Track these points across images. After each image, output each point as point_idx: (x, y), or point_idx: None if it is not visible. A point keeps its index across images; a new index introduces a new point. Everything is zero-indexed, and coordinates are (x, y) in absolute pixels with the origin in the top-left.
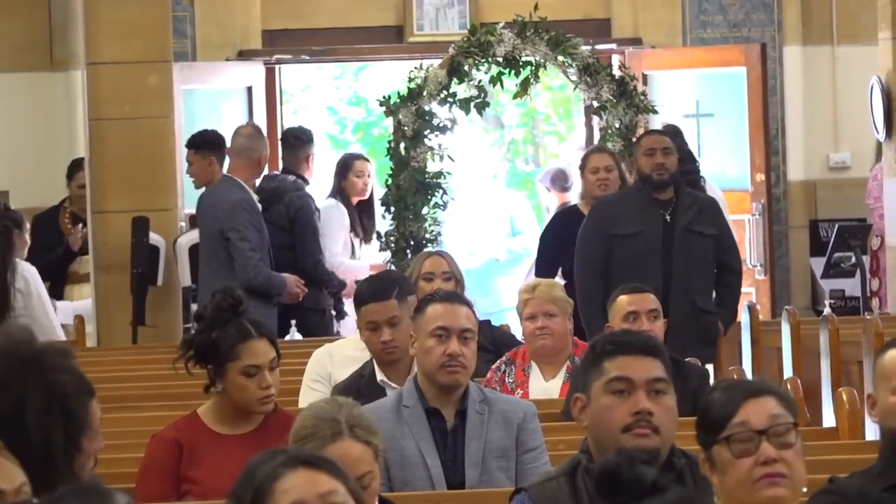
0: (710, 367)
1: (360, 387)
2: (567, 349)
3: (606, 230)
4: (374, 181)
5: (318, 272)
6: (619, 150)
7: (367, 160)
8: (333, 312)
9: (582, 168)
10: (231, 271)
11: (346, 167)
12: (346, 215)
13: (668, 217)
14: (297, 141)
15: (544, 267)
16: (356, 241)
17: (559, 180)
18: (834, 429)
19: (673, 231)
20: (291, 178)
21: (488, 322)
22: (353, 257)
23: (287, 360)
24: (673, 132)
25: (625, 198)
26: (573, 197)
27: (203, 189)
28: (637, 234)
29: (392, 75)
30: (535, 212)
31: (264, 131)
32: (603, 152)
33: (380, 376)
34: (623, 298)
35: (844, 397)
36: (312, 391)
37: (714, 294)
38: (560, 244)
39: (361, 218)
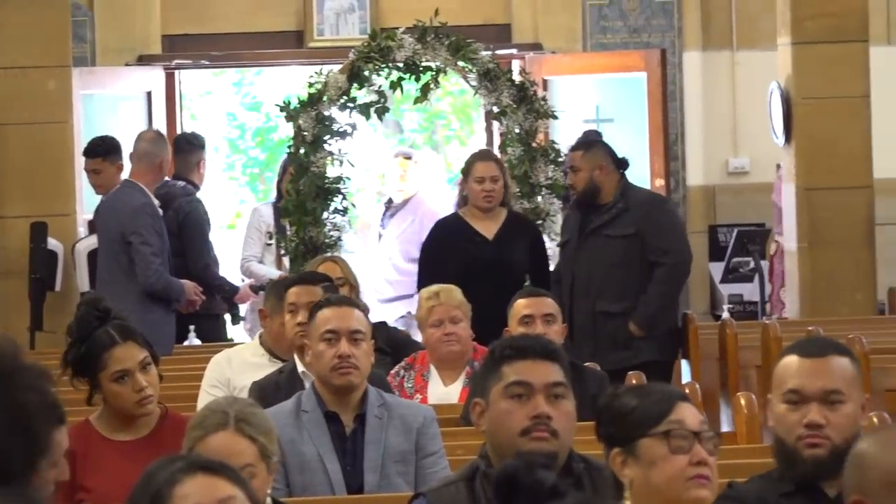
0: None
1: (280, 381)
2: (468, 354)
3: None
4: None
5: (208, 277)
6: (518, 155)
7: None
8: (228, 317)
9: (466, 174)
10: (131, 276)
11: (284, 170)
12: (266, 218)
13: (590, 221)
14: (189, 146)
15: (427, 278)
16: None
17: None
18: (732, 433)
19: (584, 236)
20: (181, 183)
21: (384, 324)
22: (278, 261)
23: (186, 366)
24: (587, 143)
25: (573, 207)
26: None
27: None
28: (565, 243)
29: (292, 80)
30: None
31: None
32: (489, 160)
33: (300, 368)
34: (520, 302)
35: (742, 402)
36: (210, 397)
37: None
38: (442, 253)
39: None
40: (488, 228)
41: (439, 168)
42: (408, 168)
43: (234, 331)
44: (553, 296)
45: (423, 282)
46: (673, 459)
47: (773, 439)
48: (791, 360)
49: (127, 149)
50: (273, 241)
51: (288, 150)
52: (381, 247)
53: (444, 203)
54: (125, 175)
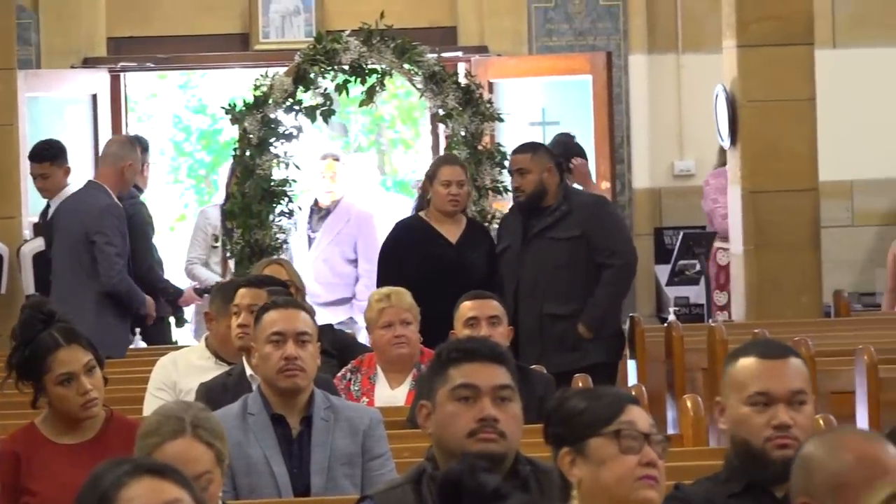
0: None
1: (228, 383)
2: (416, 357)
3: (497, 249)
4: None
5: (152, 279)
6: (465, 158)
7: None
8: (173, 320)
9: (431, 178)
10: (93, 276)
11: (233, 172)
12: (212, 220)
13: (532, 225)
14: None
15: (388, 279)
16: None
17: None
18: (678, 435)
19: (528, 239)
20: None
21: (330, 326)
22: (223, 264)
23: (131, 369)
24: (534, 146)
25: (511, 213)
26: None
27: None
28: (505, 249)
29: (238, 83)
30: None
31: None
32: (455, 165)
33: (248, 371)
34: (465, 304)
35: (689, 404)
36: (157, 399)
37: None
38: (404, 254)
39: None
40: (451, 232)
41: (370, 169)
42: (336, 170)
43: (178, 333)
44: (498, 298)
45: (382, 281)
46: (623, 459)
47: (734, 442)
48: (751, 363)
49: (73, 152)
50: (219, 244)
51: (234, 153)
52: (315, 250)
53: (374, 204)
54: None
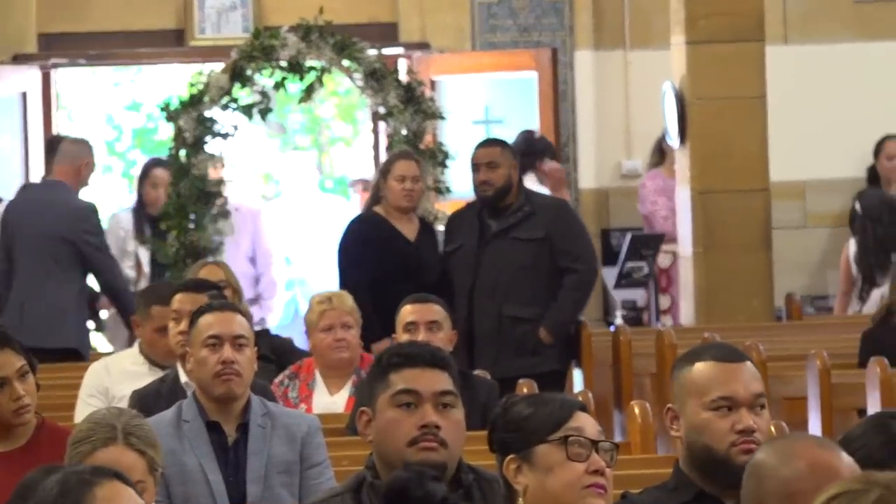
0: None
1: (162, 390)
2: (355, 362)
3: (444, 249)
4: None
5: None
6: None
7: (166, 168)
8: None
9: (385, 173)
10: (71, 274)
11: (143, 175)
12: (124, 224)
13: (493, 225)
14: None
15: (352, 275)
16: (142, 254)
17: None
18: (626, 443)
19: (487, 238)
20: None
21: (267, 331)
22: (137, 269)
23: (62, 374)
24: (501, 141)
25: (463, 211)
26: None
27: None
28: (457, 249)
29: (173, 80)
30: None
31: (39, 138)
32: (410, 160)
33: (183, 378)
34: (406, 308)
35: (636, 411)
36: (88, 406)
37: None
38: (366, 251)
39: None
40: (409, 230)
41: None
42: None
43: (96, 338)
44: (442, 302)
45: (346, 281)
46: (570, 466)
47: (692, 449)
48: (709, 367)
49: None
50: (132, 249)
51: (169, 152)
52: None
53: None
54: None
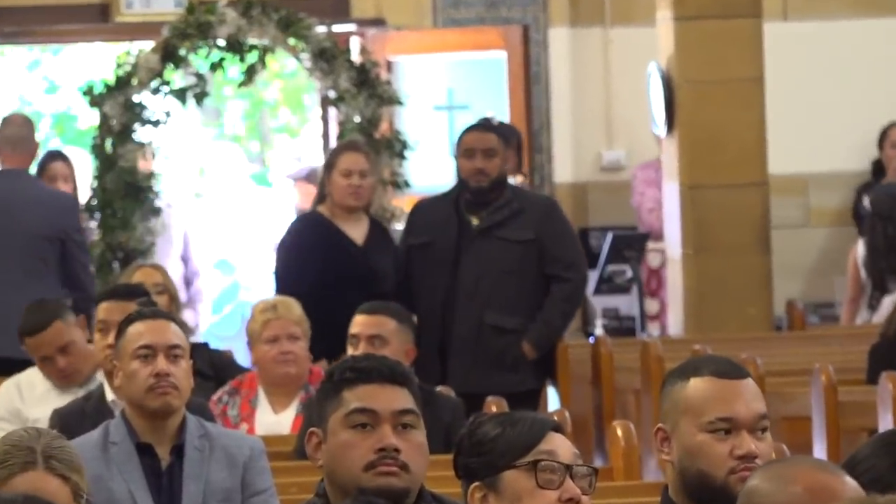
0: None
1: (86, 409)
2: (304, 378)
3: (406, 241)
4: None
5: None
6: None
7: (64, 160)
8: None
9: (329, 167)
10: (55, 273)
11: (40, 170)
12: None
13: (474, 221)
14: None
15: (289, 283)
16: None
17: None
18: (607, 468)
19: (469, 236)
20: None
21: (206, 345)
22: None
23: None
24: (494, 126)
25: (438, 200)
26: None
27: None
28: (427, 243)
29: (97, 61)
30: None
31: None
32: (358, 152)
33: (110, 396)
34: (354, 318)
35: (619, 432)
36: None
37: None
38: (306, 256)
39: None
40: (356, 232)
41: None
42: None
43: None
44: (400, 313)
45: (282, 290)
46: (540, 495)
47: (685, 475)
48: (706, 383)
49: None
50: None
51: (93, 142)
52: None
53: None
54: None
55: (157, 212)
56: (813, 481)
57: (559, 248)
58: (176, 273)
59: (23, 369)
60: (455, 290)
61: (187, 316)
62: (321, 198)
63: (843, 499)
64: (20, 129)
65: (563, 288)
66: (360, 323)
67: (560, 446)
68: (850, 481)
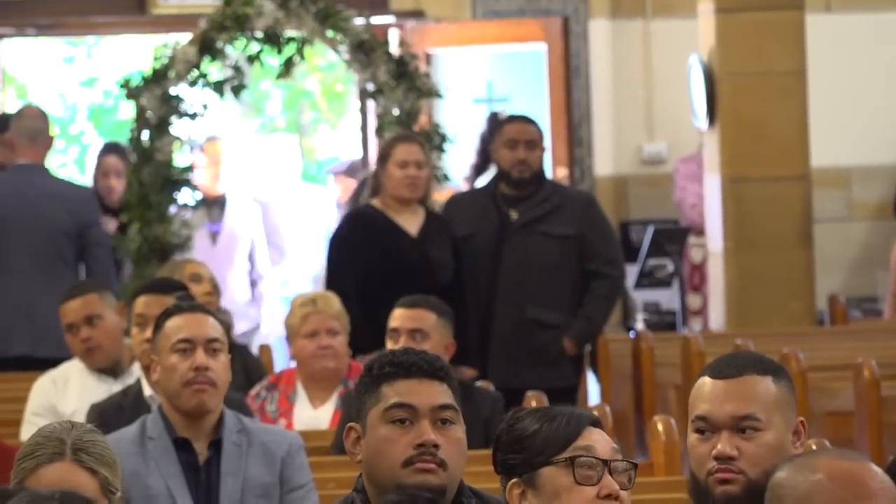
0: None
1: (124, 404)
2: (342, 372)
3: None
4: None
5: None
6: None
7: (120, 154)
8: None
9: (384, 158)
10: (74, 269)
11: (97, 163)
12: None
13: (514, 215)
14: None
15: (341, 278)
16: None
17: (360, 172)
18: (648, 463)
19: (510, 230)
20: None
21: (245, 347)
22: None
23: (10, 386)
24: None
25: (475, 194)
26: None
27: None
28: (469, 236)
29: (134, 53)
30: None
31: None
32: (413, 142)
33: (147, 391)
34: (394, 312)
35: (659, 427)
36: (33, 426)
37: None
38: (359, 250)
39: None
40: (411, 223)
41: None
42: (223, 153)
43: None
44: (441, 307)
45: (334, 283)
46: (578, 491)
47: (690, 475)
48: (703, 382)
49: None
50: None
51: (130, 135)
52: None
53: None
54: None
55: (193, 206)
56: (834, 468)
57: (599, 244)
58: (242, 273)
59: (40, 366)
60: (495, 285)
61: (251, 314)
62: (375, 191)
63: (868, 484)
64: (36, 122)
65: (604, 284)
66: (400, 317)
67: (598, 441)
68: (874, 467)
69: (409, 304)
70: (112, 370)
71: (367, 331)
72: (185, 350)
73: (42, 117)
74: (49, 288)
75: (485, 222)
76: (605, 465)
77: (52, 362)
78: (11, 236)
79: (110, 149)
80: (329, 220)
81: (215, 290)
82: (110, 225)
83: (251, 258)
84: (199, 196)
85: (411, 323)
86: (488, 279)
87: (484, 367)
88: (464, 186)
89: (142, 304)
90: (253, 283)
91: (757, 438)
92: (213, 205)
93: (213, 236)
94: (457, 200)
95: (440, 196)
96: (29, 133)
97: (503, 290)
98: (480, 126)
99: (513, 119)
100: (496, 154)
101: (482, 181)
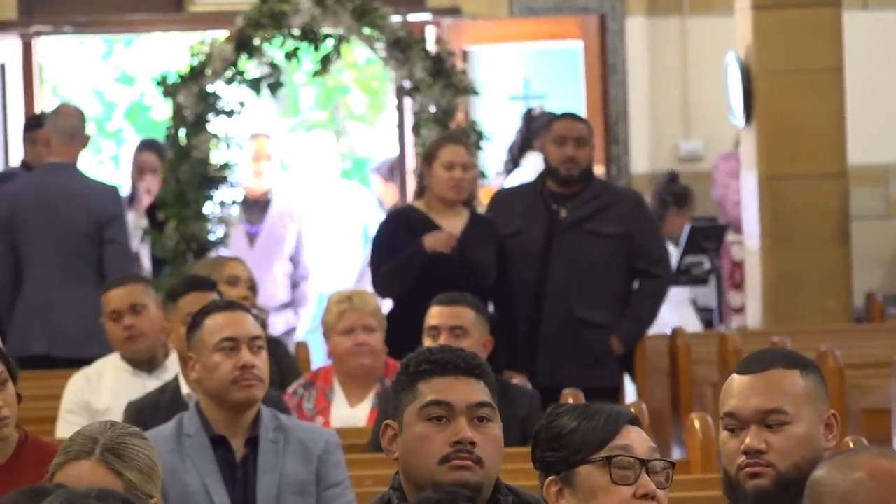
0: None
1: (161, 402)
2: (379, 370)
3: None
4: None
5: None
6: (434, 138)
7: (156, 151)
8: None
9: (430, 159)
10: (95, 270)
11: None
12: None
13: (562, 213)
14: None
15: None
16: (142, 250)
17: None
18: (685, 461)
19: (559, 228)
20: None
21: (280, 343)
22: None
23: (47, 383)
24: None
25: (521, 191)
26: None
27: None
28: (516, 233)
29: (170, 51)
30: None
31: (20, 116)
32: (460, 144)
33: (185, 389)
34: (432, 309)
35: (696, 424)
36: (68, 423)
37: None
38: (393, 253)
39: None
40: (452, 225)
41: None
42: (271, 151)
43: None
44: (477, 303)
45: (376, 285)
46: (616, 490)
47: (721, 472)
48: (731, 379)
49: None
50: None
51: (167, 132)
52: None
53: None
54: None
55: (229, 203)
56: (876, 467)
57: (648, 244)
58: (279, 276)
59: (56, 365)
60: (544, 283)
61: (288, 315)
62: (420, 192)
63: None
64: (74, 120)
65: (653, 284)
66: (439, 314)
67: (636, 440)
68: None
69: (448, 302)
70: (148, 363)
71: (410, 329)
72: (230, 349)
73: (79, 116)
74: (67, 288)
75: (533, 219)
76: (643, 464)
77: (68, 362)
78: (32, 236)
79: (146, 146)
80: (369, 218)
81: (252, 290)
82: (132, 218)
83: (294, 259)
84: (239, 194)
85: (452, 320)
86: (537, 277)
87: (531, 367)
88: (497, 182)
89: (189, 302)
90: (295, 285)
91: (785, 431)
92: (254, 205)
93: (251, 238)
94: (502, 197)
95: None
96: (66, 131)
97: (552, 288)
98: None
99: (563, 116)
100: (544, 150)
101: (515, 176)
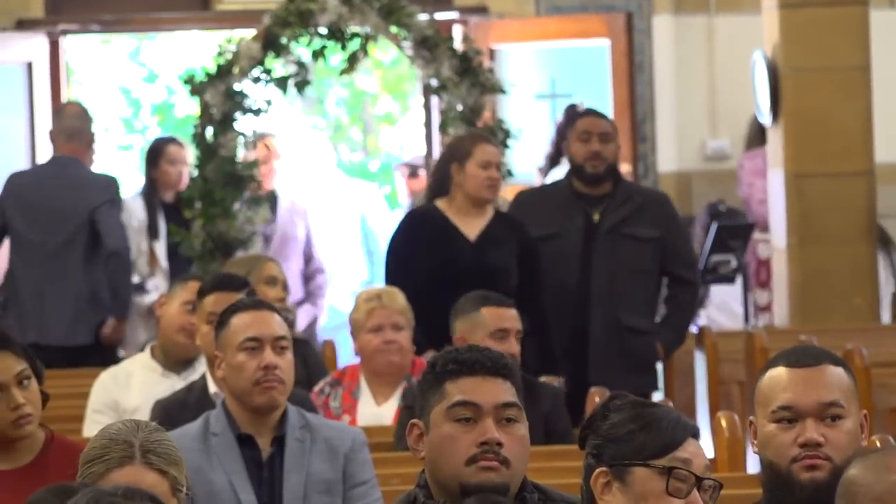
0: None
1: (188, 400)
2: (406, 369)
3: None
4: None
5: None
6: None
7: (181, 145)
8: None
9: (462, 158)
10: (97, 262)
11: (157, 153)
12: (136, 213)
13: (595, 216)
14: None
15: (398, 281)
16: (157, 246)
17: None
18: (711, 460)
19: (597, 233)
20: None
21: (306, 342)
22: (152, 262)
23: (74, 381)
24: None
25: (548, 192)
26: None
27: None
28: (551, 236)
29: (197, 49)
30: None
31: (47, 114)
32: (493, 143)
33: (212, 388)
34: (490, 311)
35: (724, 423)
36: (95, 423)
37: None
38: (415, 252)
39: (172, 215)
40: (471, 227)
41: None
42: (277, 150)
43: None
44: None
45: (391, 284)
46: (666, 500)
47: (762, 465)
48: (779, 373)
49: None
50: (148, 241)
51: (194, 130)
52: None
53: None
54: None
55: (258, 201)
56: None
57: (680, 246)
58: (298, 270)
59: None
60: (587, 290)
61: (307, 307)
62: (440, 191)
63: None
64: (75, 121)
65: (687, 290)
66: (503, 317)
67: (696, 455)
68: None
69: (502, 303)
70: (183, 364)
71: (419, 334)
72: (253, 349)
73: (82, 116)
74: (60, 277)
75: (569, 223)
76: (698, 480)
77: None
78: (31, 226)
79: (169, 140)
80: (368, 209)
81: (286, 291)
82: (139, 207)
83: (307, 254)
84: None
85: (518, 323)
86: (579, 283)
87: (584, 373)
88: (538, 178)
89: (213, 302)
90: (308, 279)
91: (840, 426)
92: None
93: (266, 239)
94: (527, 198)
95: (501, 192)
96: (66, 131)
97: (596, 295)
98: (558, 117)
99: (585, 113)
100: (570, 149)
101: (556, 173)
